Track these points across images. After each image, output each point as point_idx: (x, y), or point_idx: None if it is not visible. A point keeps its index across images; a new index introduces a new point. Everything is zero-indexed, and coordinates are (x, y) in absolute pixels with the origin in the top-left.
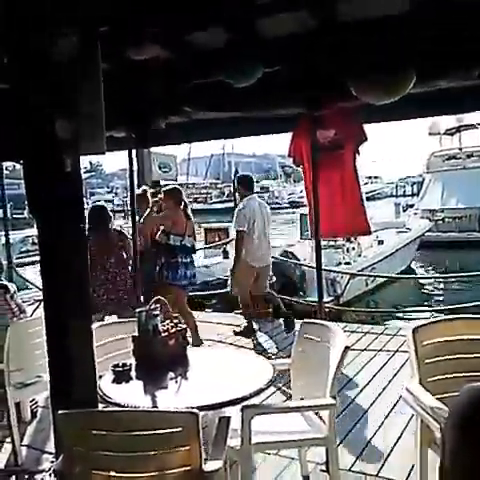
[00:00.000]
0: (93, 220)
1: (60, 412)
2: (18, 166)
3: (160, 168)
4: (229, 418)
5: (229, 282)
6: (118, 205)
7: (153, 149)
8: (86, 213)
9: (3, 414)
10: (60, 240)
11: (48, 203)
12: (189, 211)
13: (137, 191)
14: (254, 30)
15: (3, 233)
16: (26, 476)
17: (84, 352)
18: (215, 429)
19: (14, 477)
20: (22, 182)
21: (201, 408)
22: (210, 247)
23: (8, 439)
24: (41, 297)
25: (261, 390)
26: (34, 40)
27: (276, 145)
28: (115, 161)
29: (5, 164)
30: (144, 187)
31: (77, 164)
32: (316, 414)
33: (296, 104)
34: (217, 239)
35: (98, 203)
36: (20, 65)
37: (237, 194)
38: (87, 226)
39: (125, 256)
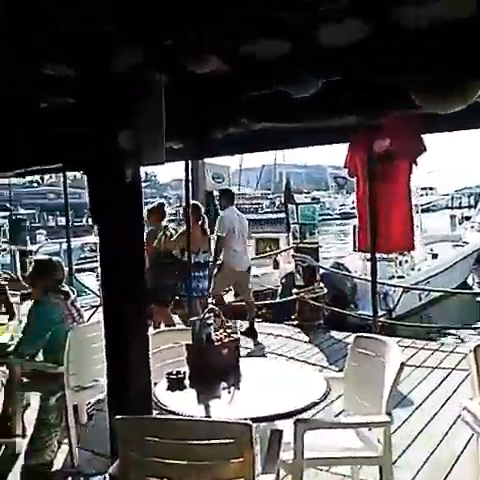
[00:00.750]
0: None
1: (117, 417)
2: (78, 175)
3: (213, 178)
4: (281, 432)
5: (212, 284)
6: (170, 214)
7: (207, 159)
8: None
9: (62, 416)
10: (120, 248)
11: (109, 212)
12: (206, 226)
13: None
14: (314, 39)
15: (64, 240)
16: (81, 478)
17: (140, 359)
18: (267, 442)
19: (70, 478)
20: (82, 191)
21: (254, 420)
22: (260, 257)
23: (65, 440)
24: (98, 303)
25: (314, 404)
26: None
27: (328, 156)
28: (168, 171)
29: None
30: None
31: (137, 174)
32: (369, 430)
33: (355, 113)
34: (268, 249)
35: None
36: (85, 79)
37: (218, 205)
38: None
39: None
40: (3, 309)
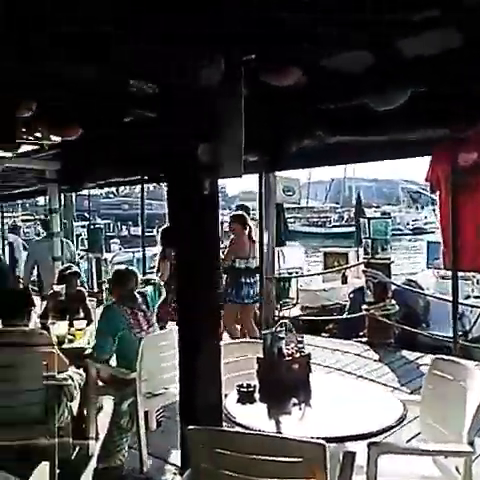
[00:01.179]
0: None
1: (190, 427)
2: (151, 187)
3: (284, 191)
4: (354, 454)
5: None
6: None
7: (278, 172)
8: None
9: (133, 421)
10: (196, 258)
11: (187, 222)
12: (254, 234)
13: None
14: (397, 51)
15: (136, 249)
16: None
17: (212, 370)
18: (339, 464)
19: None
20: (154, 203)
21: (327, 439)
22: (328, 272)
23: (135, 445)
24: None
25: (390, 428)
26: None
27: (400, 169)
28: (237, 184)
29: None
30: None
31: (215, 187)
32: (445, 457)
33: (440, 126)
34: (336, 264)
35: None
36: (166, 94)
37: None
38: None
39: None
40: (81, 314)
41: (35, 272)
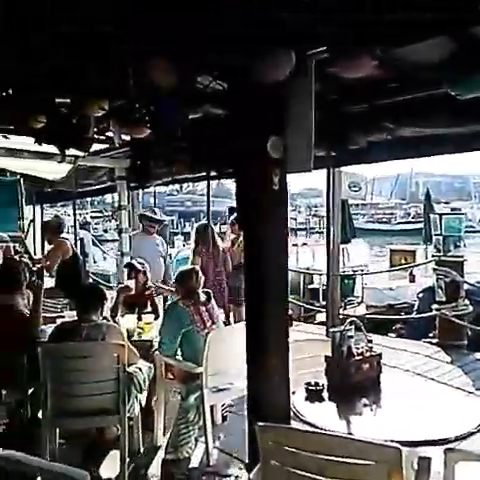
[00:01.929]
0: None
1: (259, 424)
2: (214, 185)
3: (350, 187)
4: (430, 459)
5: None
6: (301, 223)
7: (343, 168)
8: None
9: (199, 415)
10: (264, 253)
11: (255, 218)
12: None
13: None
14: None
15: None
16: (217, 478)
17: (280, 367)
18: (412, 469)
19: (205, 477)
20: (216, 199)
21: (401, 443)
22: (394, 270)
23: (202, 439)
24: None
25: (471, 434)
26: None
27: (471, 163)
28: (299, 180)
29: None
30: None
31: (284, 182)
32: None
33: None
34: (403, 261)
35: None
36: (235, 91)
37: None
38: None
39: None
40: (149, 308)
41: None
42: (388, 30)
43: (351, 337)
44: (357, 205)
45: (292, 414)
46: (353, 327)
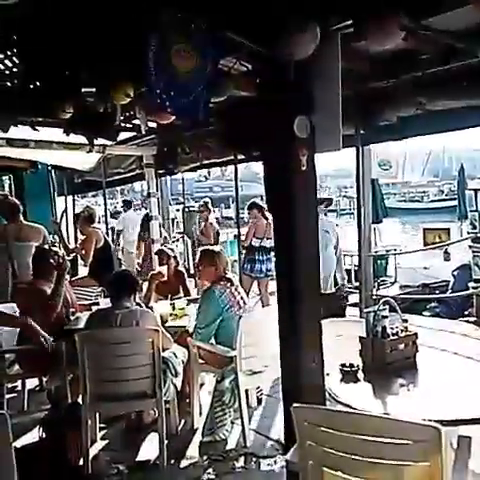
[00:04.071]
0: None
1: (295, 405)
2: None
3: (380, 166)
4: (470, 439)
5: None
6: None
7: (372, 146)
8: None
9: (235, 397)
10: (294, 234)
11: (284, 199)
12: (268, 214)
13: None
14: None
15: (228, 231)
16: (254, 459)
17: (314, 346)
18: (452, 448)
19: (242, 458)
20: (245, 184)
21: (440, 422)
22: (429, 248)
23: (238, 421)
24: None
25: None
26: None
27: None
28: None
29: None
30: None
31: (312, 162)
32: None
33: None
34: (437, 240)
35: None
36: (260, 70)
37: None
38: None
39: None
40: (181, 294)
41: None
42: None
43: (385, 317)
44: (388, 184)
45: (327, 396)
46: (387, 307)
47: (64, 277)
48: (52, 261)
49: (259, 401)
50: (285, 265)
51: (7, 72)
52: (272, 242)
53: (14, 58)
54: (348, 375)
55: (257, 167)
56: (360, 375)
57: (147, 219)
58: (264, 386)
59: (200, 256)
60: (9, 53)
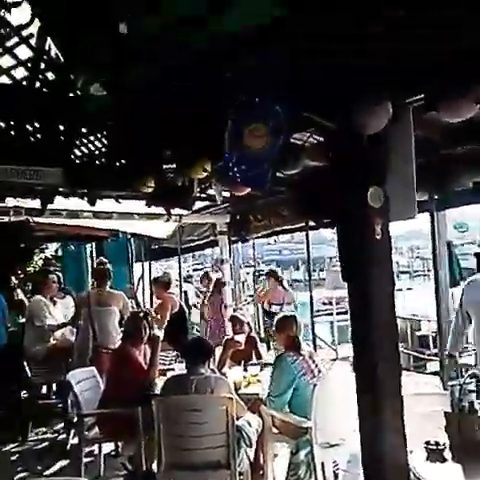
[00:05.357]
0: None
1: None
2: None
3: (455, 228)
4: None
5: None
6: (403, 265)
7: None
8: None
9: (311, 471)
10: (370, 302)
11: (359, 267)
12: (285, 283)
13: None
14: None
15: (306, 293)
16: None
17: (395, 422)
18: None
19: None
20: (313, 247)
21: None
22: None
23: None
24: (333, 356)
25: None
26: None
27: None
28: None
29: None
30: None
31: (387, 231)
32: None
33: None
34: None
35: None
36: (334, 141)
37: None
38: None
39: None
40: (254, 360)
41: None
42: None
43: (473, 391)
44: (462, 244)
45: (412, 475)
46: (474, 380)
47: (158, 346)
48: (143, 329)
49: (336, 476)
50: (362, 336)
51: (96, 152)
52: (290, 307)
53: (103, 139)
54: (434, 454)
55: (325, 231)
56: (447, 454)
57: (218, 284)
58: (340, 460)
59: (277, 321)
60: (99, 135)
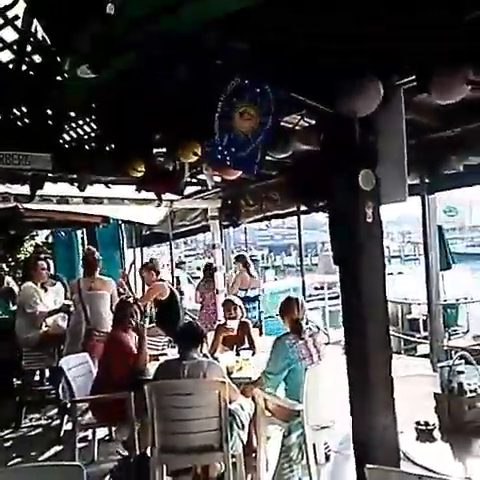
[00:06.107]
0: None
1: (369, 466)
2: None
3: (445, 212)
4: None
5: None
6: (394, 250)
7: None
8: None
9: (303, 453)
10: (360, 288)
11: (350, 250)
12: (252, 269)
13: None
14: None
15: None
16: None
17: (385, 404)
18: None
19: None
20: (304, 232)
21: None
22: None
23: (305, 478)
24: (326, 340)
25: None
26: None
27: None
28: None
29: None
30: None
31: (378, 214)
32: None
33: None
34: None
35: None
36: (324, 125)
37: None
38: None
39: None
40: (247, 344)
41: None
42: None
43: (462, 372)
44: (453, 229)
45: (402, 455)
46: (463, 361)
47: (144, 332)
48: (132, 315)
49: (327, 458)
50: (352, 318)
51: (85, 137)
52: (255, 292)
53: (92, 124)
54: (424, 434)
55: (318, 216)
56: (436, 434)
57: (209, 269)
58: (332, 442)
59: (281, 304)
60: (88, 120)
